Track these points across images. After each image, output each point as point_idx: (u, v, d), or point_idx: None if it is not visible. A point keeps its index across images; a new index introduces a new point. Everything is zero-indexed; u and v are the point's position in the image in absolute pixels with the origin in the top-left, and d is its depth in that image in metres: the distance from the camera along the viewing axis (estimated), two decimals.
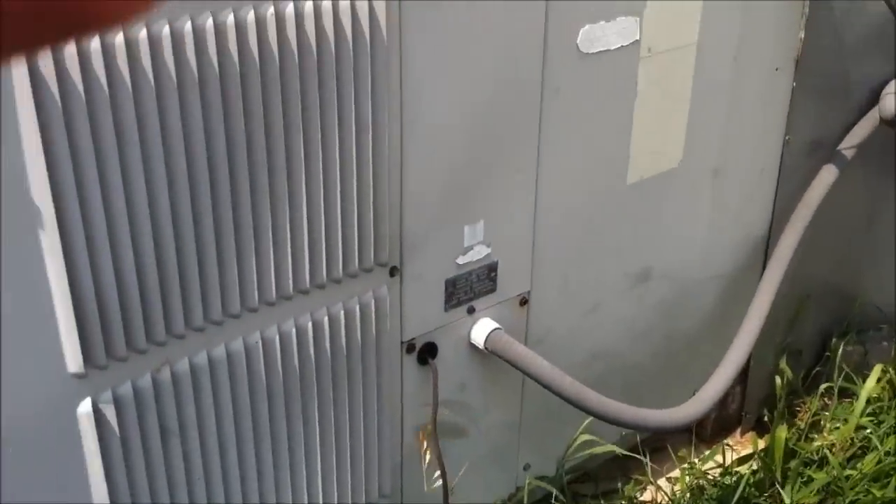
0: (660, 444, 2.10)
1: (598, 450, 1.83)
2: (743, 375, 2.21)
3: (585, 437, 1.81)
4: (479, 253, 1.46)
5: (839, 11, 1.82)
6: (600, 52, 1.46)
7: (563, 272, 1.63)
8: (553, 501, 1.78)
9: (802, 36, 1.80)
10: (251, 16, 1.05)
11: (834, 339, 2.32)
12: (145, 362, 1.14)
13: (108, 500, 1.16)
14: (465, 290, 1.48)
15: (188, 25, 1.01)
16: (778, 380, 2.19)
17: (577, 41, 1.42)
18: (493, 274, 1.50)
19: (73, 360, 1.07)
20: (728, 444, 2.13)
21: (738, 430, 2.29)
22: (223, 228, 1.13)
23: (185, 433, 1.21)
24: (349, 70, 1.16)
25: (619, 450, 1.84)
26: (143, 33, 0.99)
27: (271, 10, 1.07)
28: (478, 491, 1.70)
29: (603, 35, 1.45)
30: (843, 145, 2.00)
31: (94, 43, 0.95)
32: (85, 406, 1.10)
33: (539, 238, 1.54)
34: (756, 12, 1.67)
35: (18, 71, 0.91)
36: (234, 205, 1.13)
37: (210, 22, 1.03)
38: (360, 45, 1.16)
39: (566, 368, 1.67)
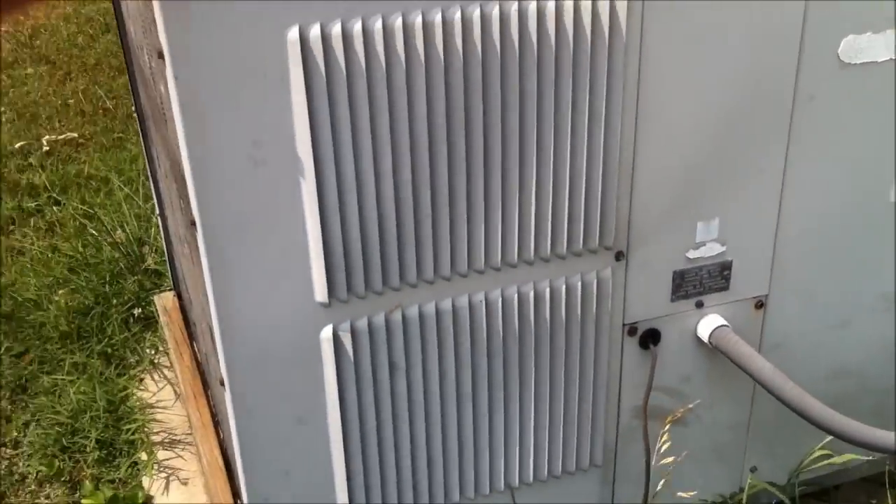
0: None
1: (836, 460, 1.77)
2: None
3: (824, 451, 1.77)
4: (712, 250, 1.49)
5: None
6: (865, 63, 1.43)
7: (808, 282, 1.60)
8: None
9: None
10: (496, 11, 1.18)
11: None
12: (381, 303, 1.33)
13: (339, 415, 1.36)
14: (695, 283, 1.52)
15: (438, 17, 1.17)
16: None
17: (839, 50, 1.40)
18: (726, 272, 1.53)
19: (320, 291, 1.27)
20: None
21: None
22: (457, 195, 1.28)
23: (410, 371, 1.38)
24: (586, 65, 1.25)
25: (858, 456, 1.76)
26: (399, 21, 1.15)
27: (515, 6, 1.19)
28: (697, 483, 1.73)
29: (869, 46, 1.41)
30: None
31: (357, 25, 1.13)
32: (327, 332, 1.31)
33: (781, 244, 1.54)
34: None
35: (292, 42, 1.11)
36: (468, 176, 1.27)
37: (458, 15, 1.17)
38: (598, 43, 1.24)
39: (805, 380, 1.65)
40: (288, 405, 1.34)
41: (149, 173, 2.21)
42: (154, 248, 2.77)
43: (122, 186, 3.10)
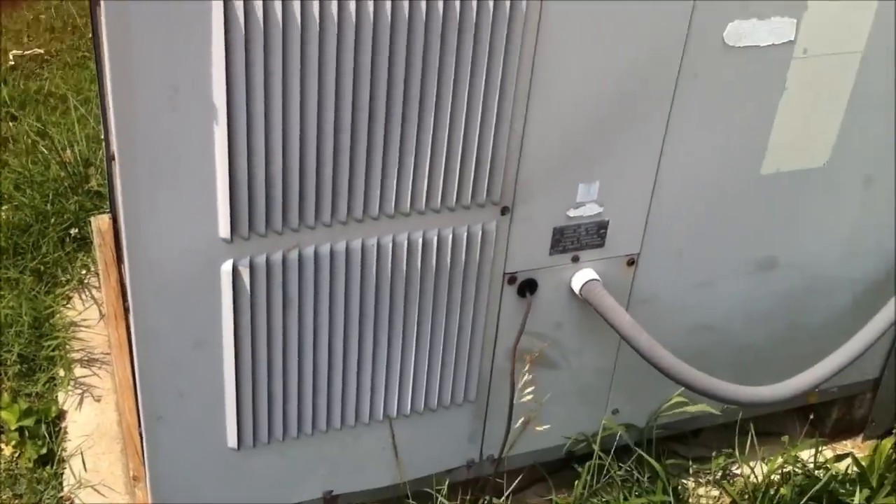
0: (772, 428, 2.33)
1: (690, 409, 2.08)
2: (874, 384, 2.38)
3: (681, 398, 2.08)
4: (591, 210, 1.75)
5: None
6: (748, 46, 1.68)
7: (678, 244, 1.88)
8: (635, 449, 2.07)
9: None
10: None
11: None
12: (281, 242, 1.54)
13: (233, 343, 1.59)
14: (573, 240, 1.77)
15: None
16: None
17: (724, 34, 1.65)
18: (602, 231, 1.79)
19: (224, 227, 1.48)
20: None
21: (862, 436, 2.47)
22: (358, 146, 1.49)
23: (302, 306, 1.61)
24: (486, 36, 1.47)
25: (710, 409, 2.07)
26: None
27: None
28: (562, 422, 2.02)
29: (753, 31, 1.67)
30: None
31: None
32: (227, 266, 1.52)
33: (655, 208, 1.80)
34: None
35: (216, 3, 1.30)
36: (369, 129, 1.48)
37: None
38: (499, 17, 1.46)
39: (669, 333, 1.95)
40: (187, 331, 1.55)
41: (98, 94, 2.35)
42: (99, 169, 2.91)
43: (79, 106, 3.21)
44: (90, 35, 3.62)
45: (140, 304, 1.50)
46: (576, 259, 1.80)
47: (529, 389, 1.85)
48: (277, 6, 1.33)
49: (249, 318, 1.57)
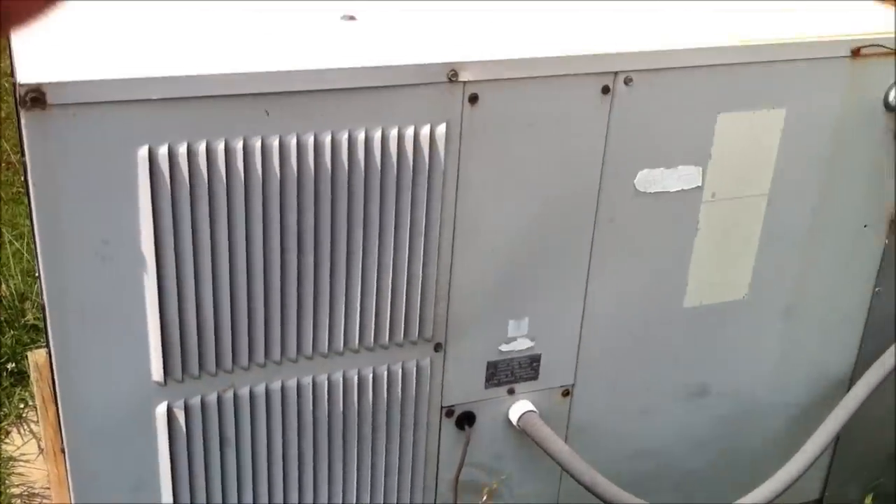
0: None
1: None
2: (818, 503, 2.27)
3: None
4: (522, 344, 1.68)
5: None
6: (659, 192, 1.65)
7: (611, 374, 1.81)
8: None
9: None
10: (328, 139, 1.36)
11: None
12: (215, 383, 1.47)
13: (171, 486, 1.49)
14: (507, 373, 1.70)
15: (276, 141, 1.33)
16: None
17: (635, 181, 1.62)
18: (535, 364, 1.72)
19: (157, 371, 1.41)
20: None
21: None
22: (288, 291, 1.43)
23: (239, 446, 1.52)
24: (408, 185, 1.43)
25: None
26: (240, 143, 1.31)
27: (347, 134, 1.36)
28: None
29: (661, 179, 1.64)
30: None
31: (202, 146, 1.29)
32: (161, 408, 1.44)
33: (586, 340, 1.74)
34: (841, 172, 1.78)
35: (142, 158, 1.26)
36: (299, 271, 1.43)
37: (294, 140, 1.34)
38: (419, 166, 1.43)
39: (609, 460, 1.85)
40: (124, 474, 1.46)
41: (31, 235, 2.30)
42: (35, 303, 2.84)
43: (14, 241, 3.15)
44: (22, 177, 3.58)
45: (75, 448, 1.41)
46: (511, 391, 1.72)
47: None
48: (202, 163, 1.30)
49: (187, 459, 1.48)
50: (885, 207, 1.88)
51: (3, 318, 2.75)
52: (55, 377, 1.37)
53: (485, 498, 1.76)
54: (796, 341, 1.95)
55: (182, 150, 1.28)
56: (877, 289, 1.98)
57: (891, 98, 1.74)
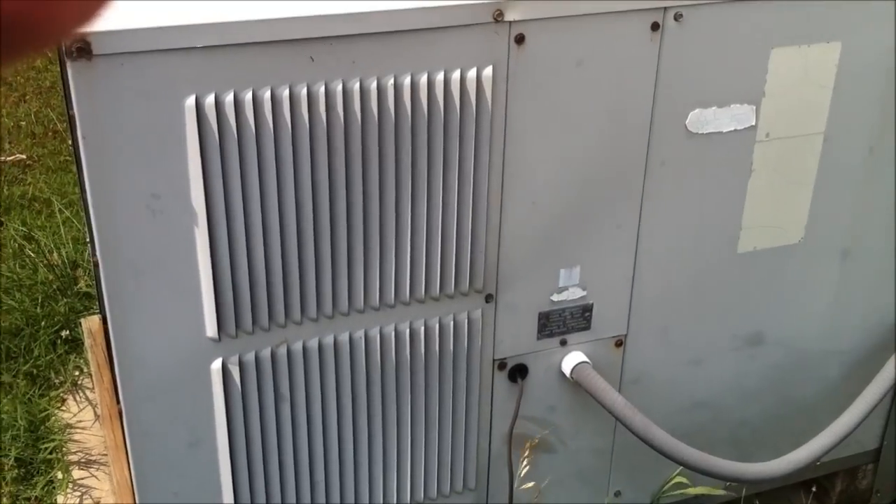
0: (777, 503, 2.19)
1: (691, 490, 1.97)
2: (875, 454, 2.24)
3: (682, 478, 1.96)
4: (574, 294, 1.67)
5: None
6: (711, 132, 1.62)
7: (664, 323, 1.79)
8: None
9: None
10: (374, 85, 1.34)
11: None
12: (269, 338, 1.47)
13: (227, 440, 1.50)
14: (559, 324, 1.69)
15: (322, 88, 1.32)
16: None
17: (686, 122, 1.59)
18: (587, 314, 1.71)
19: (211, 327, 1.41)
20: None
21: None
22: (339, 242, 1.43)
23: (294, 401, 1.52)
24: (456, 131, 1.42)
25: (714, 491, 1.96)
26: (286, 91, 1.31)
27: (392, 80, 1.35)
28: None
29: (714, 119, 1.61)
30: None
31: (248, 95, 1.28)
32: (217, 364, 1.45)
33: (638, 289, 1.72)
34: None
35: (189, 107, 1.26)
36: (348, 223, 1.42)
37: (340, 87, 1.33)
38: (467, 111, 1.41)
39: (663, 412, 1.84)
40: (180, 431, 1.47)
41: (81, 199, 2.32)
42: (87, 270, 2.86)
43: (63, 209, 3.18)
44: (70, 140, 3.61)
45: (132, 406, 1.42)
46: (564, 342, 1.71)
47: (533, 472, 1.74)
48: (249, 112, 1.29)
49: (242, 415, 1.49)
50: None
51: (55, 287, 2.77)
52: (109, 334, 1.38)
53: (527, 452, 1.75)
54: (853, 286, 1.92)
55: (229, 98, 1.28)
56: None
57: None
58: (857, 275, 1.91)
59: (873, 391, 1.91)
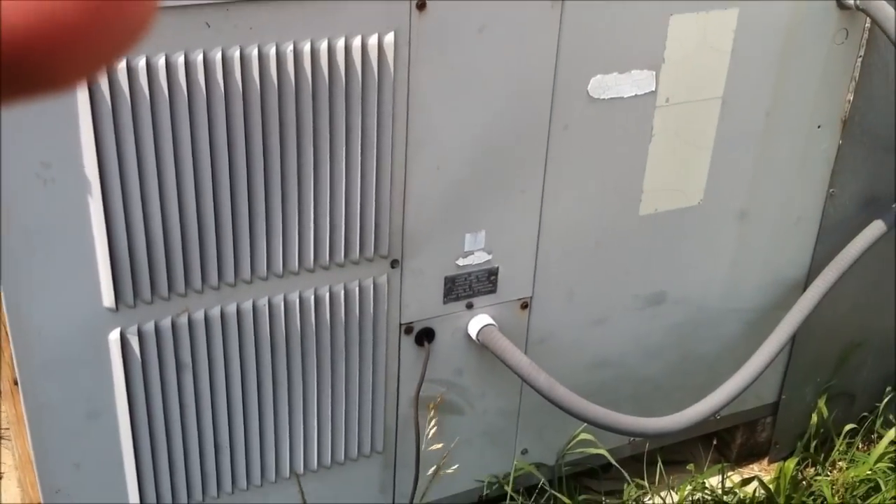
0: (679, 457, 2.28)
1: (591, 450, 2.04)
2: (774, 407, 2.35)
3: (586, 436, 2.03)
4: (479, 258, 1.70)
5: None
6: (612, 98, 1.66)
7: (568, 284, 1.84)
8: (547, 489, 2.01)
9: (851, 98, 1.91)
10: (272, 51, 1.34)
11: (888, 389, 2.42)
12: (168, 308, 1.47)
13: (128, 412, 1.50)
14: (465, 287, 1.72)
15: (219, 55, 1.31)
16: (814, 417, 2.32)
17: (588, 88, 1.63)
18: (493, 277, 1.74)
19: (108, 296, 1.40)
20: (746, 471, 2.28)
21: (767, 459, 2.43)
22: (239, 209, 1.43)
23: (197, 370, 1.53)
24: (358, 96, 1.43)
25: (604, 452, 2.04)
26: (181, 58, 1.29)
27: (292, 46, 1.35)
28: (473, 466, 1.95)
29: (615, 84, 1.65)
30: None
31: (141, 62, 1.27)
32: (114, 334, 1.44)
33: (543, 252, 1.77)
34: (794, 73, 1.81)
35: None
36: (249, 190, 1.43)
37: (237, 53, 1.32)
38: (368, 77, 1.42)
39: (569, 371, 1.90)
40: (79, 403, 1.47)
41: None
42: None
43: None
44: None
45: (28, 379, 1.41)
46: (470, 306, 1.75)
47: (441, 434, 1.78)
48: (143, 79, 1.28)
49: (143, 385, 1.49)
50: (840, 109, 1.91)
51: None
52: (3, 307, 1.36)
53: (432, 413, 1.79)
54: (751, 246, 2.00)
55: (121, 66, 1.26)
56: (830, 190, 2.02)
57: None
58: (754, 235, 1.98)
59: (770, 347, 2.00)
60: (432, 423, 1.78)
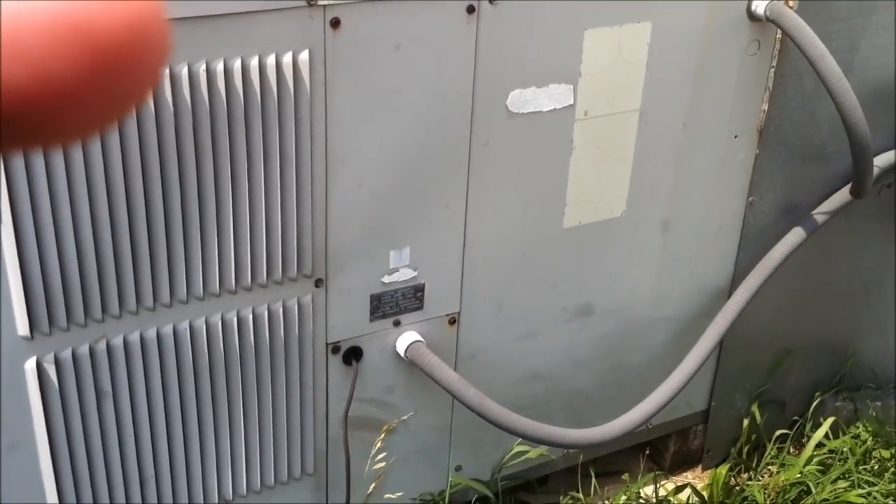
0: (614, 468, 2.30)
1: (529, 455, 2.05)
2: (704, 415, 2.39)
3: (521, 448, 2.04)
4: (405, 275, 1.71)
5: (808, 86, 1.97)
6: (531, 112, 1.68)
7: (496, 299, 1.85)
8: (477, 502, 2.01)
9: (766, 108, 1.96)
10: (185, 71, 1.33)
11: (817, 394, 2.47)
12: (85, 334, 1.44)
13: (47, 444, 1.47)
14: (391, 305, 1.73)
15: None
16: (745, 423, 2.36)
17: (507, 102, 1.65)
18: (419, 294, 1.75)
19: (22, 325, 1.38)
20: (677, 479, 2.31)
21: (700, 466, 2.47)
22: (156, 233, 1.42)
23: (117, 397, 1.51)
24: (274, 115, 1.42)
25: (548, 454, 2.05)
26: None
27: (204, 65, 1.35)
28: (408, 485, 1.95)
29: (534, 98, 1.67)
30: (818, 210, 2.14)
31: None
32: (30, 363, 1.41)
33: (469, 267, 1.78)
34: (709, 84, 1.85)
35: None
36: (165, 212, 1.41)
37: (167, 72, 1.31)
38: (284, 96, 1.42)
39: (499, 386, 1.91)
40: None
41: None
42: None
43: None
44: None
45: None
46: (397, 323, 1.75)
47: (377, 455, 1.78)
48: None
49: (62, 414, 1.46)
50: (756, 119, 1.96)
51: None
52: None
53: (382, 436, 1.79)
54: (675, 255, 2.04)
55: None
56: (750, 198, 2.07)
57: (753, 7, 1.81)
58: (677, 245, 2.02)
59: (697, 354, 2.04)
60: (378, 444, 1.78)
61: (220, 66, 1.36)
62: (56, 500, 1.52)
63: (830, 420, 2.32)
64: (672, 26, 1.74)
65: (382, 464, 1.81)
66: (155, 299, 1.47)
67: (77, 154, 1.31)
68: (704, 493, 2.24)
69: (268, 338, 1.60)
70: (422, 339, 1.77)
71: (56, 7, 0.25)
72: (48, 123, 0.26)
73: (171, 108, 1.34)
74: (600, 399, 2.13)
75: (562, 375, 2.05)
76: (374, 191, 1.60)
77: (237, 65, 1.37)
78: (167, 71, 1.32)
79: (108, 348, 1.47)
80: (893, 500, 2.19)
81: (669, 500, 2.23)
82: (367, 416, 1.80)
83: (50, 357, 1.42)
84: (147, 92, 0.28)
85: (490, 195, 1.72)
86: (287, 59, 1.40)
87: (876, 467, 2.29)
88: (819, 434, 2.29)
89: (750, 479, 2.34)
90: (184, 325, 1.52)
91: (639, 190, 1.89)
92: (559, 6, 1.61)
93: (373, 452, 1.78)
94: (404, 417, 1.84)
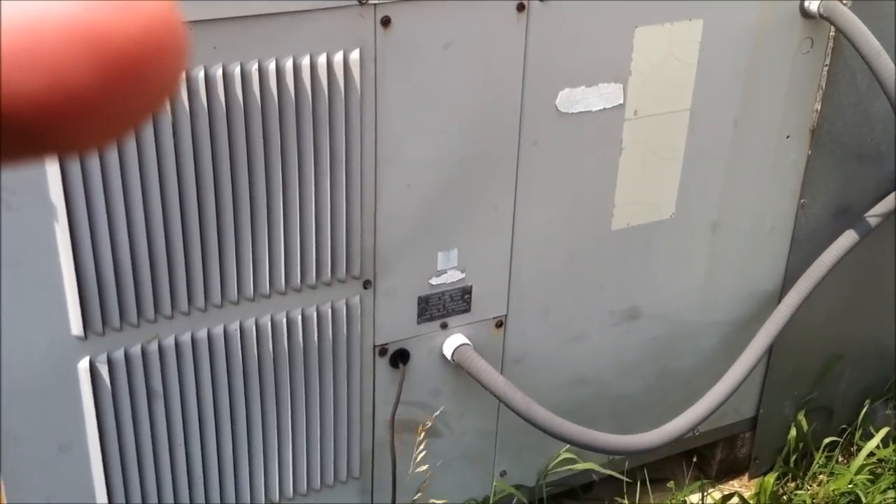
0: (659, 475, 2.30)
1: (577, 467, 2.05)
2: (753, 422, 2.38)
3: (568, 455, 2.04)
4: (453, 277, 1.72)
5: (862, 85, 1.96)
6: (581, 112, 1.69)
7: (543, 302, 1.86)
8: None
9: (818, 107, 1.96)
10: (237, 70, 1.36)
11: (867, 401, 2.45)
12: (137, 335, 1.47)
13: (98, 443, 1.50)
14: (438, 307, 1.74)
15: (202, 74, 1.33)
16: (793, 431, 2.35)
17: (556, 102, 1.66)
18: (466, 296, 1.76)
19: (76, 325, 1.41)
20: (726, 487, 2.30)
21: (747, 474, 2.46)
22: (208, 233, 1.44)
23: (168, 397, 1.53)
24: (325, 115, 1.44)
25: (594, 464, 2.05)
26: None
27: (256, 65, 1.37)
28: (452, 489, 1.96)
29: (583, 98, 1.68)
30: (871, 212, 2.13)
31: None
32: (84, 363, 1.44)
33: (516, 269, 1.79)
34: (761, 83, 1.85)
35: None
36: (217, 213, 1.44)
37: (202, 74, 1.34)
38: (335, 96, 1.44)
39: (546, 390, 1.92)
40: (49, 434, 1.46)
41: None
42: None
43: None
44: None
45: (14, 416, 1.41)
46: (444, 325, 1.77)
47: (422, 458, 1.79)
48: None
49: (113, 414, 1.49)
50: (809, 118, 1.96)
51: None
52: None
53: (421, 437, 1.80)
54: (724, 258, 2.03)
55: None
56: (802, 200, 2.06)
57: (807, 4, 1.80)
58: (727, 247, 2.02)
59: (747, 359, 2.03)
60: (422, 446, 1.79)
61: (271, 66, 1.38)
62: (106, 501, 1.55)
63: (885, 430, 2.30)
64: (724, 24, 1.74)
65: (425, 466, 1.82)
66: (206, 300, 1.49)
67: (132, 155, 1.33)
68: (752, 503, 2.23)
69: (316, 339, 1.62)
70: (469, 342, 1.78)
71: (71, 13, 0.25)
72: (64, 132, 0.26)
73: (224, 108, 1.37)
74: (646, 404, 2.12)
75: (608, 380, 2.05)
76: (422, 191, 1.61)
77: (289, 64, 1.39)
78: (221, 71, 1.35)
79: (160, 348, 1.49)
80: None
81: None
82: (413, 419, 1.81)
83: (103, 357, 1.45)
84: (165, 99, 0.28)
85: (538, 196, 1.73)
86: (338, 58, 1.42)
87: None
88: (873, 443, 2.27)
89: (798, 488, 2.32)
90: (234, 326, 1.54)
91: (688, 191, 1.89)
92: (610, 4, 1.61)
93: (415, 456, 1.79)
94: (436, 414, 1.84)
